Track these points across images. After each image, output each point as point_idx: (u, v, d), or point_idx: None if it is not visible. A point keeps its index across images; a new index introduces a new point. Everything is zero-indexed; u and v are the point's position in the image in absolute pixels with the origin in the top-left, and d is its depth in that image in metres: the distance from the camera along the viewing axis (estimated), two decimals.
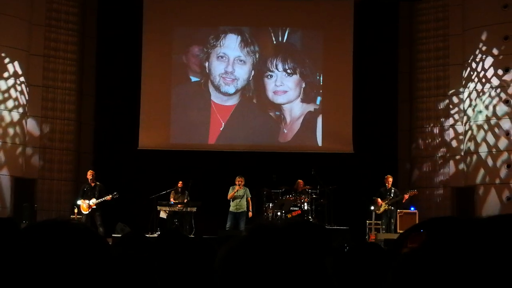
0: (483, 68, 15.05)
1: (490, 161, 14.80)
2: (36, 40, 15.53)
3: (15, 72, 14.99)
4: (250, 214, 14.34)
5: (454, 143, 15.83)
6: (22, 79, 15.13)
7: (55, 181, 15.86)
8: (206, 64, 16.77)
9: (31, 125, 15.50)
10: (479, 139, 15.01)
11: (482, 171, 14.91)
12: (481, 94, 15.05)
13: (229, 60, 16.76)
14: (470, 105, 15.31)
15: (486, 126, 14.92)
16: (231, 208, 14.36)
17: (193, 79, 16.78)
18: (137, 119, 16.35)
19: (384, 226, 14.18)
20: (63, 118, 16.08)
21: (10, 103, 14.87)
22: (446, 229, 1.09)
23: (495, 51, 14.90)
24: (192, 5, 16.80)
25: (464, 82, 15.59)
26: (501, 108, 14.77)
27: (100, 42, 16.75)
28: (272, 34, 16.95)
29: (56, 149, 15.94)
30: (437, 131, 16.13)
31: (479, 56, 15.12)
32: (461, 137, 15.67)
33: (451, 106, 15.93)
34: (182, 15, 16.84)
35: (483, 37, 15.04)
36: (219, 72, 16.72)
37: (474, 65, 15.25)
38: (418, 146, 16.45)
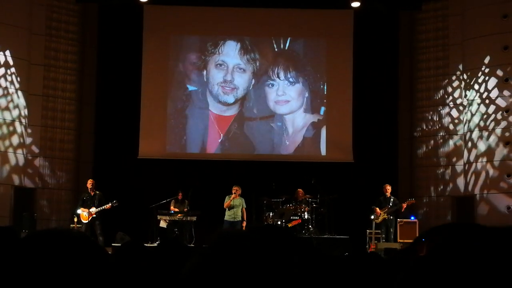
0: (483, 80, 15.03)
1: (490, 171, 14.78)
2: (36, 49, 15.53)
3: (15, 82, 14.98)
4: (244, 224, 14.29)
5: (454, 153, 15.83)
6: (22, 88, 15.12)
7: (55, 190, 15.85)
8: (204, 73, 16.46)
9: (31, 134, 15.49)
10: (479, 148, 15.00)
11: (482, 181, 14.90)
12: (481, 104, 15.05)
13: (228, 68, 16.42)
14: (470, 115, 15.30)
15: (486, 136, 14.91)
16: (227, 217, 14.32)
17: (191, 88, 16.51)
18: (137, 128, 16.33)
19: (383, 236, 14.16)
20: (63, 127, 16.08)
21: (10, 113, 14.86)
22: (458, 236, 1.10)
23: (494, 61, 14.90)
24: (193, 15, 16.63)
25: (464, 92, 15.59)
26: (501, 118, 14.76)
27: (100, 52, 16.76)
28: (274, 41, 16.60)
29: (56, 158, 15.93)
30: (437, 141, 16.13)
31: (479, 66, 15.12)
32: (461, 146, 15.67)
33: (451, 116, 15.93)
34: (183, 24, 16.67)
35: (483, 47, 15.05)
36: (218, 81, 16.38)
37: (473, 74, 15.24)
38: (419, 155, 16.44)
